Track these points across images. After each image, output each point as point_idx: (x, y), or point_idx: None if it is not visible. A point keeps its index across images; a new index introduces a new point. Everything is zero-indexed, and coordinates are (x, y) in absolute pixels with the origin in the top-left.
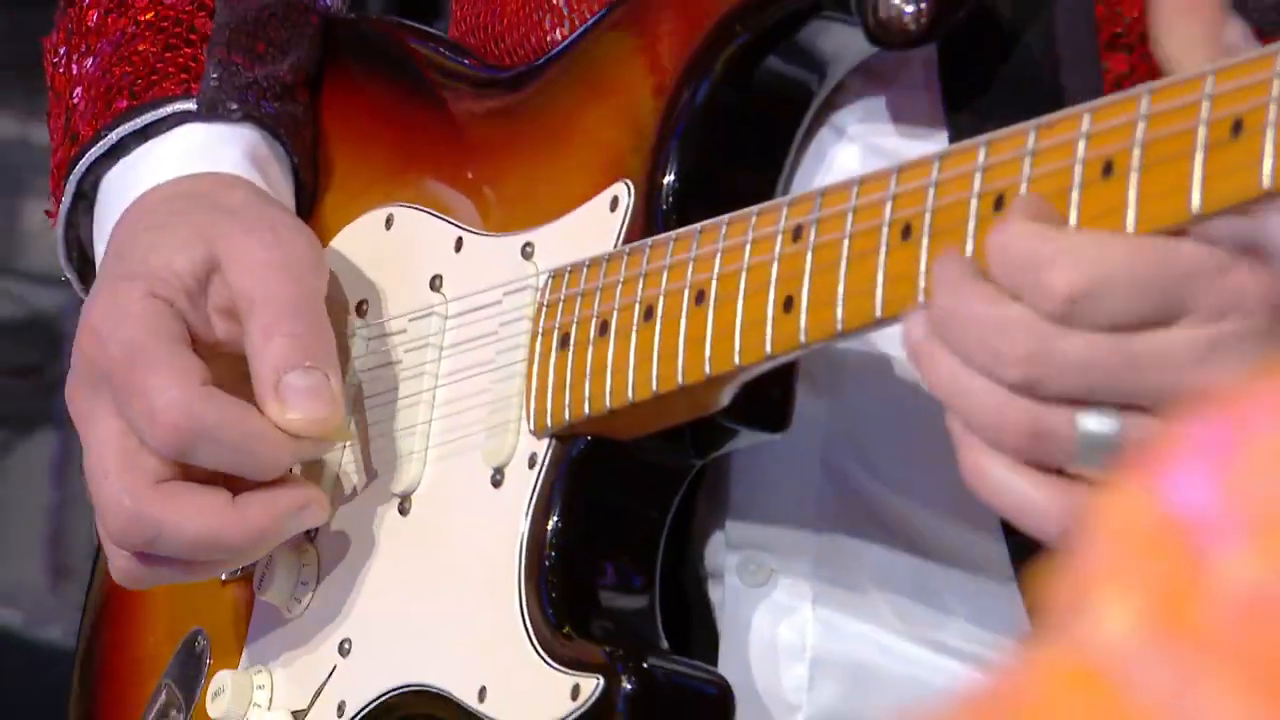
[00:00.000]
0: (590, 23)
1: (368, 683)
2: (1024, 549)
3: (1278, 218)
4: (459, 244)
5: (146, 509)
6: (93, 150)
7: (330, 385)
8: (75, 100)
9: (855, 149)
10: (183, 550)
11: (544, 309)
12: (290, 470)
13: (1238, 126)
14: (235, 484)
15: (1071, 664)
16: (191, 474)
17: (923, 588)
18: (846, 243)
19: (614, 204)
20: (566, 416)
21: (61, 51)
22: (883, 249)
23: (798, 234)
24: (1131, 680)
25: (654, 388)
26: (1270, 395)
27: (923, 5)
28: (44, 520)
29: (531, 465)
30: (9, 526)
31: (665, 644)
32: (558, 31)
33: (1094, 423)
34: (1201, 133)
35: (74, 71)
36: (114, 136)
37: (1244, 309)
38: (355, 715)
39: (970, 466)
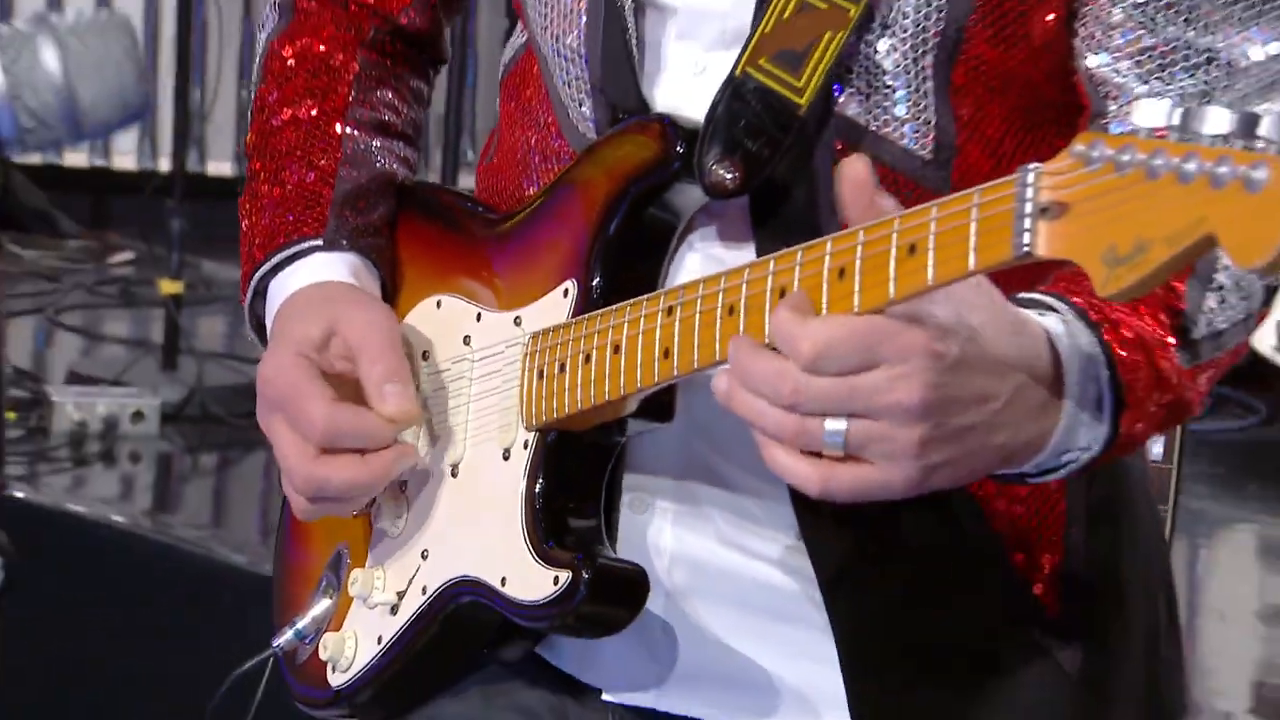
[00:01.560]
0: (550, 185)
1: (439, 574)
2: (802, 498)
3: (930, 299)
4: (479, 317)
5: (315, 471)
6: (263, 268)
7: (410, 391)
8: (254, 236)
9: (699, 256)
10: (336, 492)
11: (528, 355)
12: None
13: (912, 249)
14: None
15: None
16: (337, 450)
17: (738, 515)
18: (698, 316)
19: (565, 293)
20: (544, 418)
21: (246, 208)
22: (718, 320)
23: (670, 311)
24: None
25: (592, 402)
26: None
27: (736, 174)
28: (257, 498)
29: (525, 447)
30: (239, 503)
31: (610, 550)
32: (531, 189)
33: (832, 426)
34: (893, 252)
35: (252, 220)
36: (277, 259)
37: (914, 355)
38: (433, 593)
39: (766, 455)
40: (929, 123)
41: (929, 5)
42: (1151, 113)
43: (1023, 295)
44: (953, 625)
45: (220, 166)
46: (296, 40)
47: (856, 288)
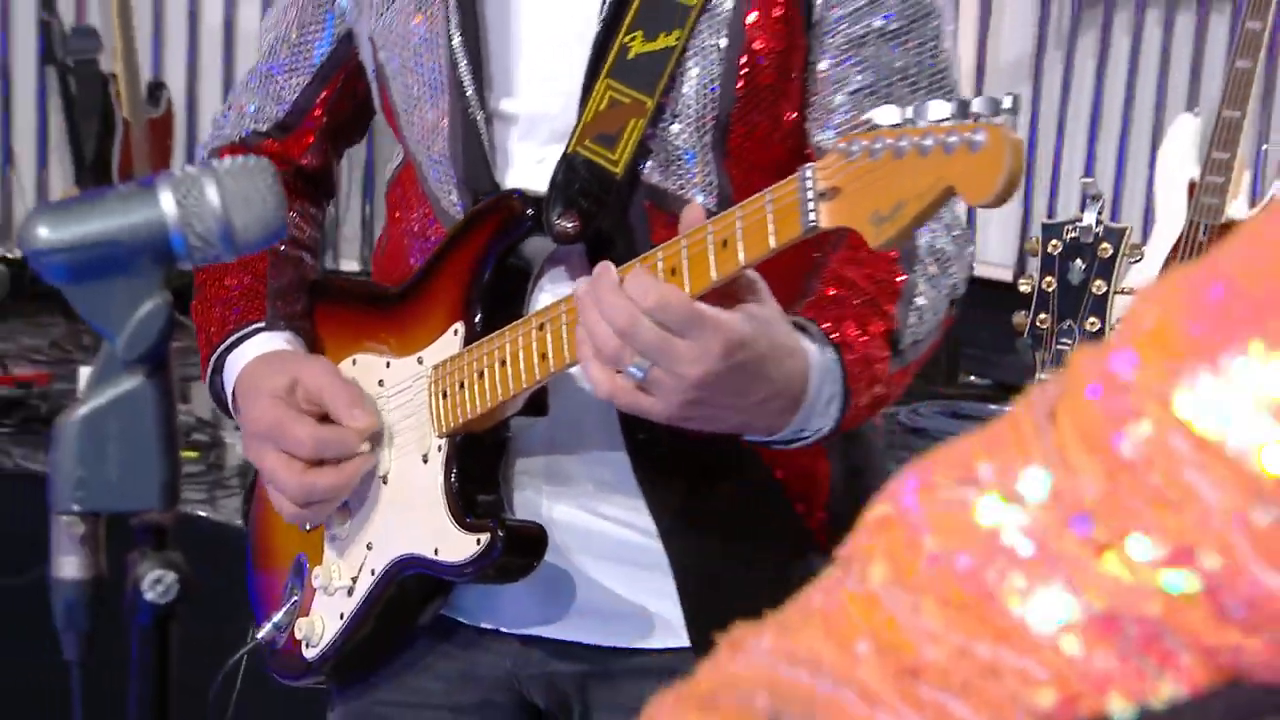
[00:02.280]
0: (431, 255)
1: (383, 558)
2: (640, 462)
3: (750, 315)
4: (388, 364)
5: (305, 480)
6: (220, 348)
7: (369, 410)
8: (209, 327)
9: (549, 296)
10: (322, 495)
11: (433, 382)
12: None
13: (725, 243)
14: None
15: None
16: (320, 463)
17: (596, 486)
18: (564, 325)
19: (456, 331)
20: (451, 425)
21: (198, 309)
22: (564, 332)
23: (541, 327)
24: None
25: (489, 405)
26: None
27: (575, 224)
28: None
29: (439, 450)
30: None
31: (513, 514)
32: (415, 264)
33: (638, 361)
34: (710, 248)
35: (204, 316)
36: (231, 339)
37: (710, 348)
38: (380, 573)
39: (584, 363)
40: (712, 183)
41: (705, 100)
42: (888, 114)
43: (798, 318)
44: (755, 559)
45: (350, 264)
46: None
47: (686, 278)
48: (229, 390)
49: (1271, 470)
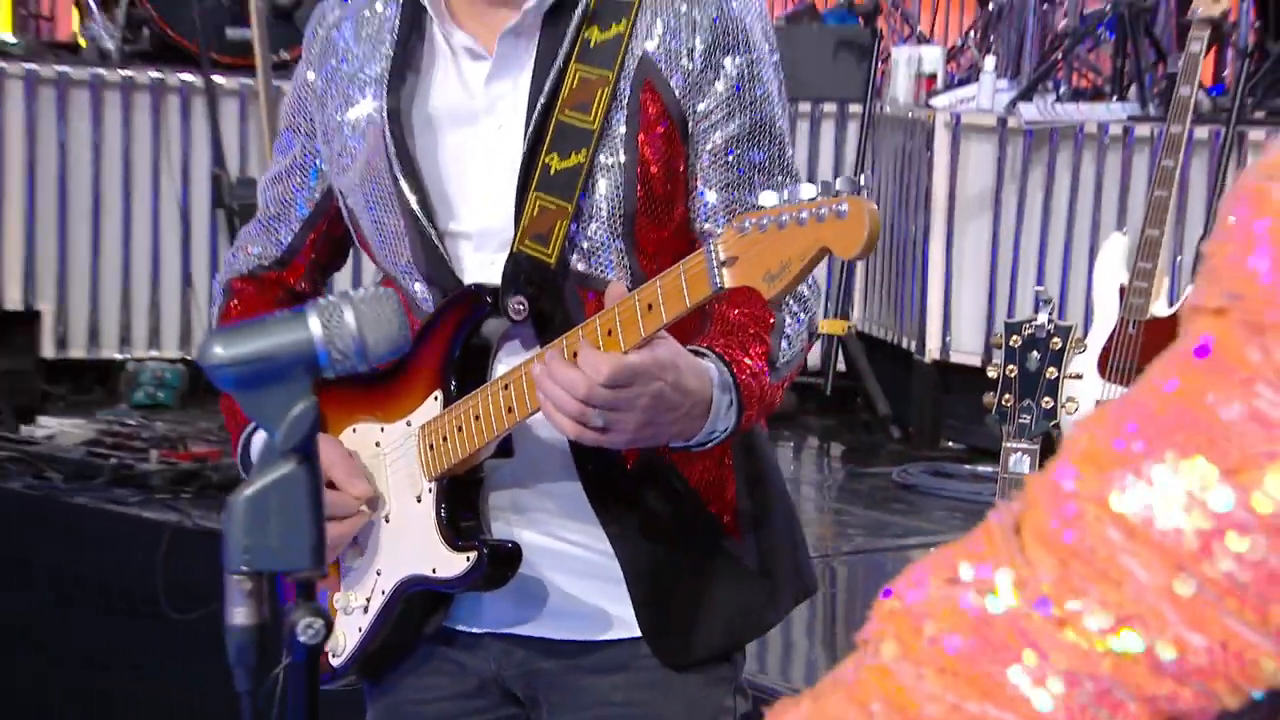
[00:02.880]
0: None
1: (391, 580)
2: (591, 487)
3: (671, 362)
4: (382, 429)
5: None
6: (246, 431)
7: (366, 482)
8: (236, 417)
9: (504, 366)
10: (331, 543)
11: (421, 438)
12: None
13: (650, 306)
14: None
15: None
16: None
17: (552, 514)
18: (524, 383)
19: (436, 398)
20: (438, 470)
21: (226, 401)
22: (524, 390)
23: (506, 386)
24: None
25: (468, 451)
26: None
27: (523, 307)
28: None
29: (430, 491)
30: None
31: (492, 534)
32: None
33: (595, 417)
34: (638, 311)
35: (229, 407)
36: (253, 425)
37: (649, 391)
38: (389, 592)
39: (551, 418)
40: (625, 267)
41: (614, 204)
42: (769, 197)
43: (698, 348)
44: (685, 555)
45: None
46: (237, 308)
47: (621, 338)
48: (258, 453)
49: (1190, 549)
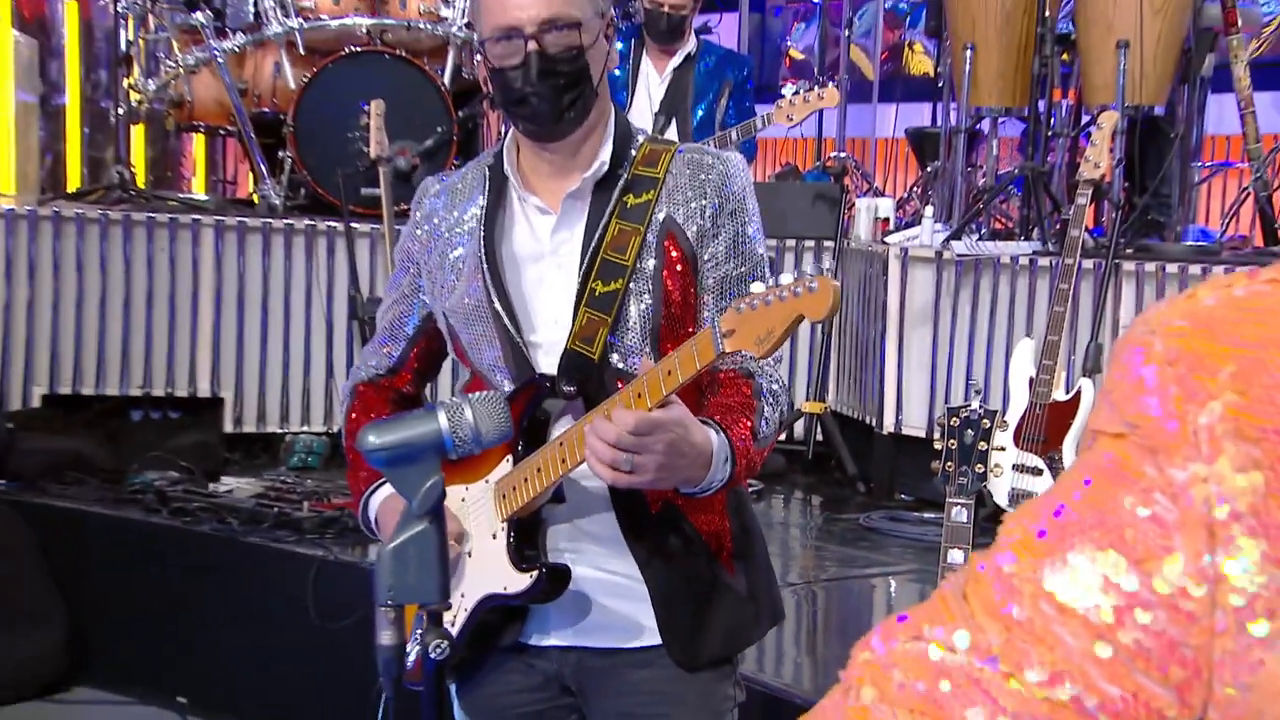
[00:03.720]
0: None
1: (471, 600)
2: (625, 529)
3: (680, 421)
4: (467, 488)
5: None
6: (366, 494)
7: (458, 525)
8: (358, 485)
9: (560, 428)
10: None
11: (497, 491)
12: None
13: (669, 372)
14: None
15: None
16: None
17: (595, 546)
18: (575, 441)
19: (509, 460)
20: (509, 513)
21: (350, 475)
22: (574, 446)
23: (561, 444)
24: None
25: (532, 497)
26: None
27: (574, 389)
28: None
29: (503, 529)
30: None
31: (548, 558)
32: None
33: (624, 461)
34: (661, 378)
35: (354, 477)
36: (370, 489)
37: (663, 440)
38: (470, 609)
39: (592, 464)
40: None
41: (643, 320)
42: (758, 286)
43: (701, 418)
44: (693, 582)
45: None
46: (359, 407)
47: (647, 399)
48: (372, 516)
49: (1106, 621)
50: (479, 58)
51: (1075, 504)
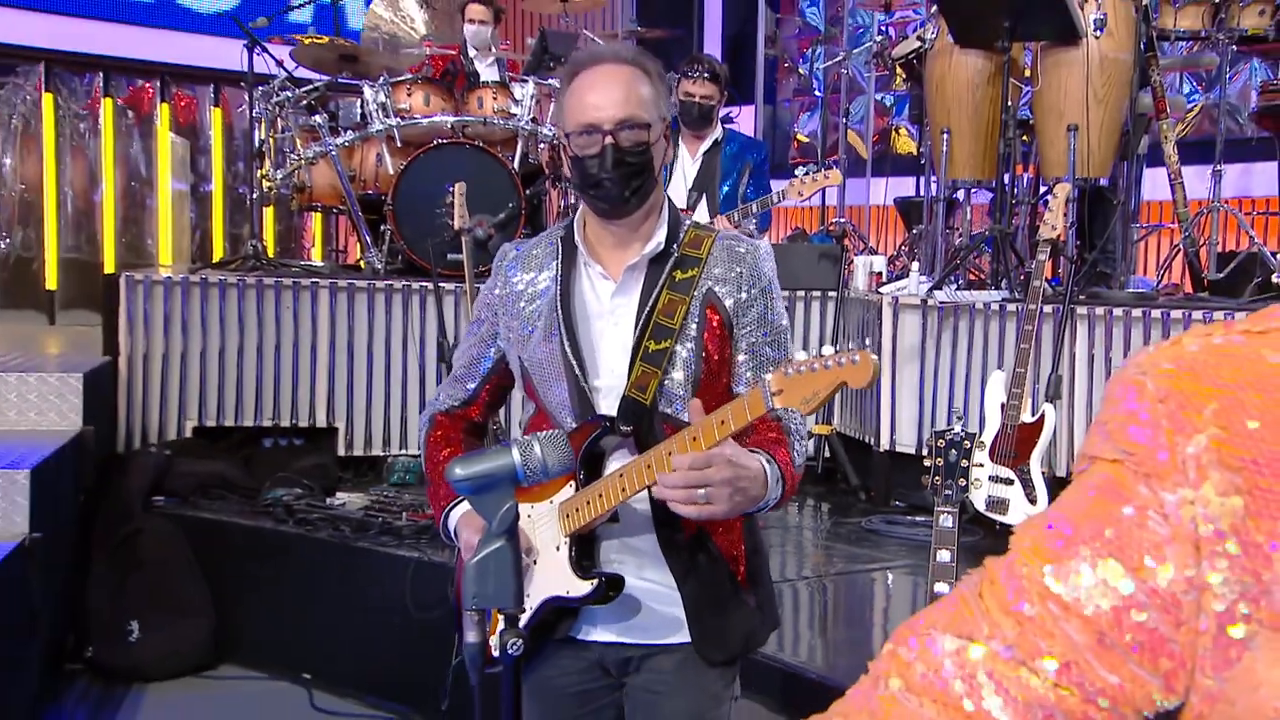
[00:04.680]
0: None
1: (536, 600)
2: (663, 547)
3: (736, 454)
4: (533, 507)
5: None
6: (446, 509)
7: (527, 536)
8: (439, 501)
9: (618, 463)
10: None
11: (561, 510)
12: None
13: (723, 422)
14: None
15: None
16: None
17: (637, 558)
18: (632, 473)
19: (572, 486)
20: (571, 530)
21: (430, 492)
22: (642, 471)
23: (620, 475)
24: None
25: (593, 518)
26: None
27: (630, 429)
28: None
29: (565, 543)
30: None
31: (605, 570)
32: None
33: (700, 495)
34: (715, 426)
35: (435, 494)
36: (450, 505)
37: (724, 474)
38: (534, 609)
39: (675, 505)
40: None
41: (687, 373)
42: (800, 354)
43: (752, 449)
44: (717, 593)
45: None
46: (440, 435)
47: (702, 443)
48: (451, 528)
49: (1106, 620)
50: (556, 145)
51: (1078, 517)
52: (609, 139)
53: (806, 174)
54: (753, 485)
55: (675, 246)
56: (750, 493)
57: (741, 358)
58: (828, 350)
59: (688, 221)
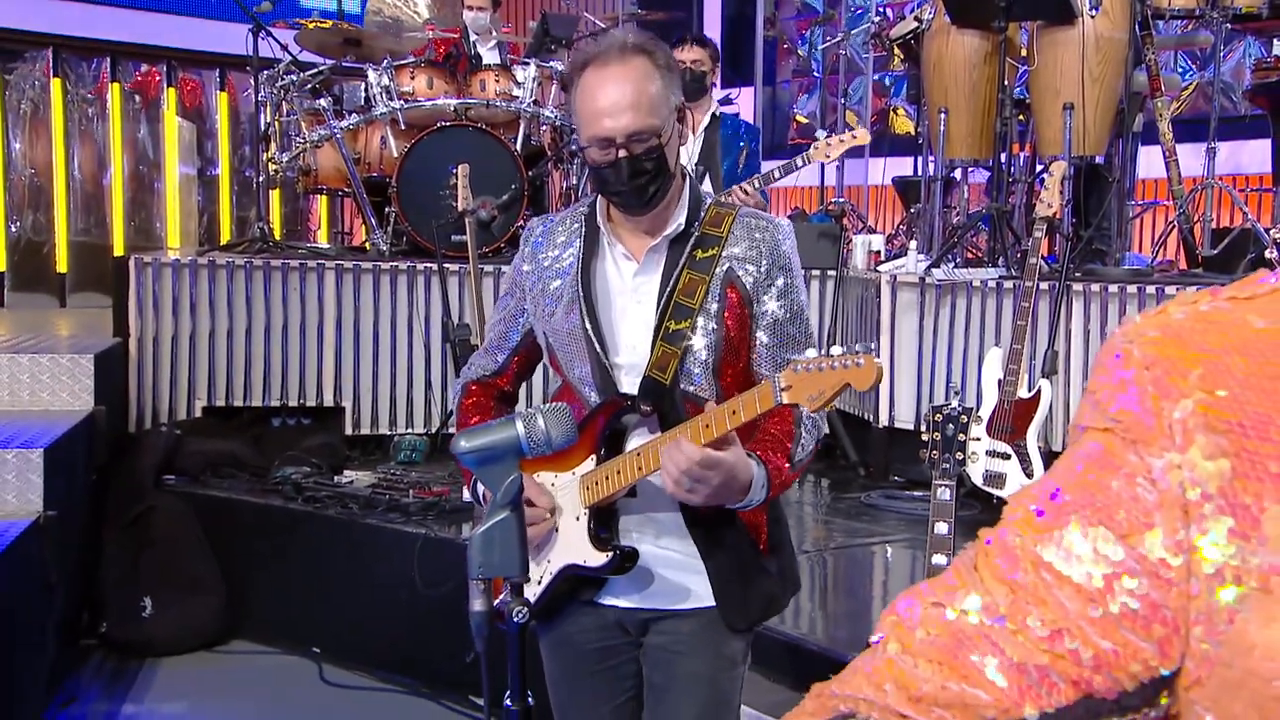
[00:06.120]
0: (579, 423)
1: (555, 567)
2: (687, 517)
3: (732, 455)
4: (556, 476)
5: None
6: (474, 480)
7: (549, 501)
8: (469, 479)
9: (638, 441)
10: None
11: (582, 482)
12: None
13: (734, 412)
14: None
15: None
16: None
17: (657, 530)
18: (650, 454)
19: (593, 459)
20: (590, 502)
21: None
22: (649, 458)
23: (638, 454)
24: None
25: (612, 491)
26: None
27: (650, 408)
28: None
29: (585, 514)
30: None
31: (623, 542)
32: None
33: (688, 484)
34: (726, 417)
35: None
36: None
37: (719, 472)
38: (554, 575)
39: (669, 488)
40: (712, 387)
41: (707, 352)
42: (810, 352)
43: (749, 450)
44: (741, 561)
45: None
46: (471, 403)
47: (714, 431)
48: (480, 492)
49: (1098, 587)
50: (558, 127)
51: (1069, 487)
52: (622, 151)
53: (831, 134)
54: (734, 495)
55: (696, 225)
56: (728, 499)
57: (761, 334)
58: (836, 350)
59: (709, 199)
